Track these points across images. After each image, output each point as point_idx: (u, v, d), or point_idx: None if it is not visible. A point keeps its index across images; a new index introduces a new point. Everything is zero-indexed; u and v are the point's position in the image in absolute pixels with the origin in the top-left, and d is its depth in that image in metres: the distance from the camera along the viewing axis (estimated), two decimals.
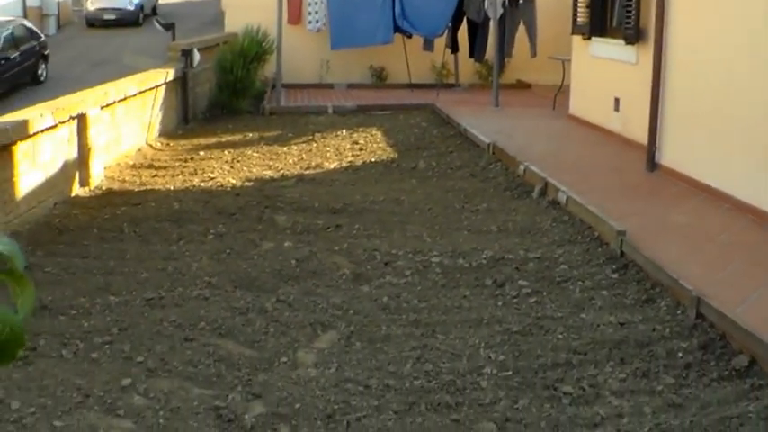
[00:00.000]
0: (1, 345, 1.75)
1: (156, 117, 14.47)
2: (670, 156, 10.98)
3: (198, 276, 7.57)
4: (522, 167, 11.31)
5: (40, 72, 24.13)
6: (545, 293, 7.39)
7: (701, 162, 10.17)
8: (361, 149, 13.63)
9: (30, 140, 9.31)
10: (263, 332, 6.62)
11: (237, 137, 14.78)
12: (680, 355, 6.23)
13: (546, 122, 15.29)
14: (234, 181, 11.34)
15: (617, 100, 13.33)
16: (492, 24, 18.21)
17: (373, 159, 12.94)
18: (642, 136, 11.54)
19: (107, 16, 34.98)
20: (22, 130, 9.06)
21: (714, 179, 9.82)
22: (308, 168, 12.25)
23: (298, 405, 5.61)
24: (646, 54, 11.77)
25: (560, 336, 6.56)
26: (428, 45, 20.01)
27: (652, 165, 11.22)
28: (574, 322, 6.79)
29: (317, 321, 6.79)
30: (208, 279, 7.48)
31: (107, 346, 6.37)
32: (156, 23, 20.62)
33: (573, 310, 7.04)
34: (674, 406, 5.60)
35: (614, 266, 7.92)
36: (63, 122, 10.18)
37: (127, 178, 11.51)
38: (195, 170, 12.02)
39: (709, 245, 8.23)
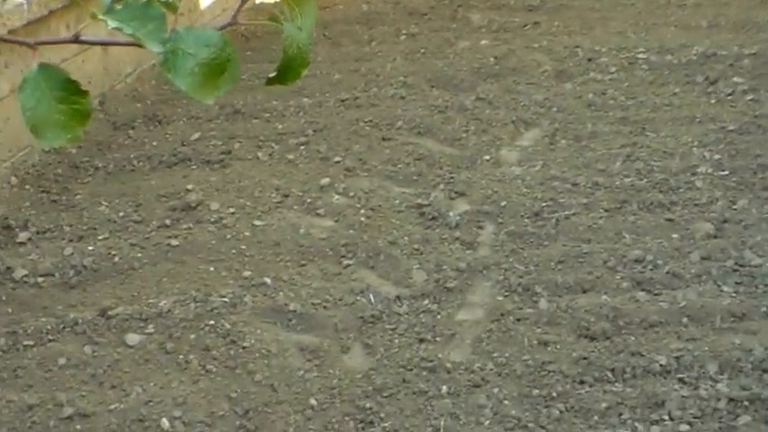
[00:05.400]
0: (288, 62, 1.69)
1: None
2: None
3: (392, 76, 7.29)
4: None
5: None
6: (763, 91, 6.82)
7: None
8: None
9: None
10: (463, 130, 6.33)
11: None
12: None
13: None
14: None
15: None
16: None
17: None
18: None
19: None
20: None
21: None
22: None
23: (503, 203, 5.36)
24: None
25: None
26: None
27: None
28: None
29: (519, 119, 6.46)
30: (403, 79, 7.19)
31: (303, 147, 6.21)
32: None
33: None
34: None
35: None
36: None
37: None
38: None
39: None
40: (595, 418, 3.86)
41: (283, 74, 1.67)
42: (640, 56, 7.52)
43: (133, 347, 4.31)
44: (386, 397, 3.97)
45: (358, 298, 4.57)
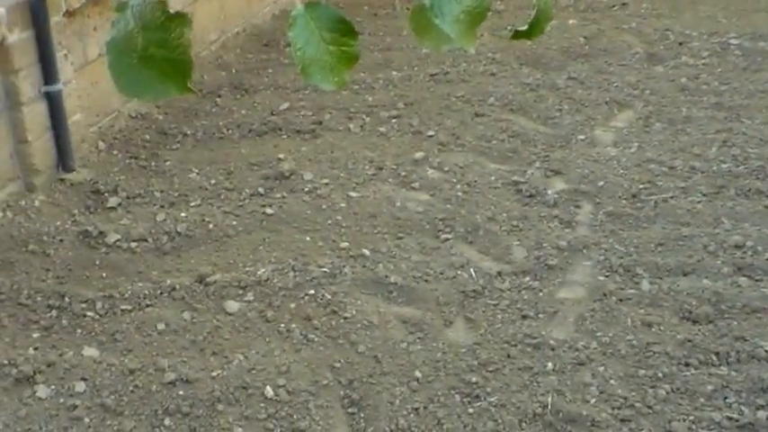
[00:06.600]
0: (539, 15, 1.65)
1: None
2: None
3: (480, 53, 7.21)
4: None
5: None
6: None
7: None
8: None
9: None
10: (556, 109, 6.27)
11: None
12: None
13: None
14: None
15: None
16: None
17: None
18: None
19: None
20: None
21: None
22: None
23: (600, 183, 5.31)
24: None
25: None
26: None
27: None
28: None
29: (612, 100, 6.38)
30: (491, 55, 7.13)
31: (394, 120, 6.18)
32: None
33: None
34: None
35: None
36: None
37: None
38: None
39: None
40: (701, 400, 3.80)
41: (532, 27, 1.65)
42: (732, 41, 7.39)
43: (233, 315, 4.31)
44: (491, 372, 3.94)
45: (458, 272, 4.54)
